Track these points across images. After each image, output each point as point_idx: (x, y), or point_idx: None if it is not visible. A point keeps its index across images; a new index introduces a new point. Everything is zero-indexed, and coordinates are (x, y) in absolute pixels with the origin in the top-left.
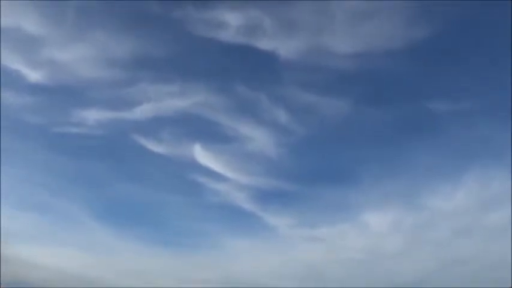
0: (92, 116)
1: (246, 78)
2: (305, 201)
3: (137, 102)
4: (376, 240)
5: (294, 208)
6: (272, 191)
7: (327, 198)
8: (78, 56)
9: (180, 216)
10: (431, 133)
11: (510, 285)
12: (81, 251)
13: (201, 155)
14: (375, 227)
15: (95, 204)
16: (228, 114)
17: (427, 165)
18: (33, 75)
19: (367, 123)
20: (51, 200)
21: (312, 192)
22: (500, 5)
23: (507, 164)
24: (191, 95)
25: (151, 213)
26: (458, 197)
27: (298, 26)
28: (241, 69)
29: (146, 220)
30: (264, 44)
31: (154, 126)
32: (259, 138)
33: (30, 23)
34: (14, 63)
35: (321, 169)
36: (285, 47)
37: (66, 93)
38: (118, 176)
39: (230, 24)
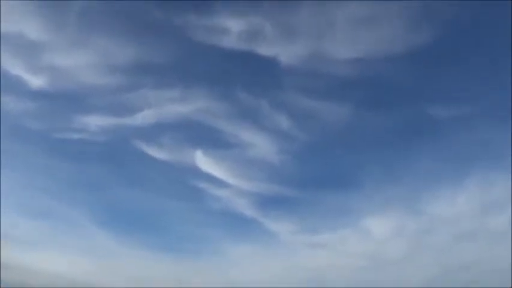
0: (94, 121)
1: (247, 84)
2: (306, 207)
3: (139, 108)
4: (378, 245)
5: (295, 214)
6: (273, 197)
7: (328, 203)
8: (80, 62)
9: (182, 222)
10: (432, 138)
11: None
12: (83, 256)
13: (203, 161)
14: (376, 233)
15: (97, 210)
16: (229, 120)
17: (428, 170)
18: (35, 81)
19: (368, 129)
20: (53, 206)
21: (314, 198)
22: (500, 10)
23: (508, 167)
24: (192, 101)
25: (153, 219)
26: (459, 201)
27: (299, 32)
28: (242, 75)
29: (147, 226)
30: (265, 50)
31: (155, 132)
32: (260, 144)
33: (32, 29)
34: (16, 68)
35: (322, 175)
36: (286, 53)
37: (67, 99)
38: (119, 181)
39: (231, 31)
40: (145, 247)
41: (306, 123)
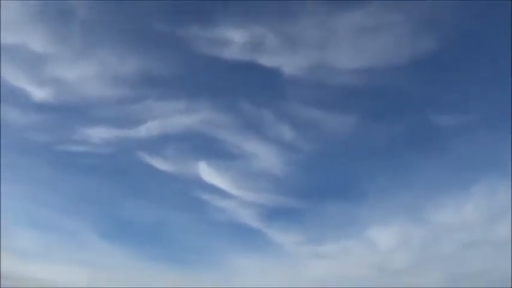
0: (98, 134)
1: (251, 95)
2: (311, 218)
3: (142, 120)
4: (383, 255)
5: (300, 225)
6: (277, 208)
7: (333, 214)
8: (84, 73)
9: (186, 233)
10: (437, 146)
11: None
12: (86, 267)
13: (207, 172)
14: (382, 243)
15: (100, 221)
16: (233, 131)
17: (433, 179)
18: (39, 93)
19: (373, 138)
20: (57, 217)
21: (318, 208)
22: (505, 18)
23: None
24: (196, 112)
25: (157, 230)
26: (465, 210)
27: (302, 42)
28: (245, 86)
29: (151, 237)
30: (268, 60)
31: (159, 143)
32: (264, 154)
33: (35, 41)
34: (19, 81)
35: (326, 185)
36: (289, 63)
37: (71, 111)
38: (123, 193)
39: (234, 42)
40: (149, 258)
41: (310, 133)
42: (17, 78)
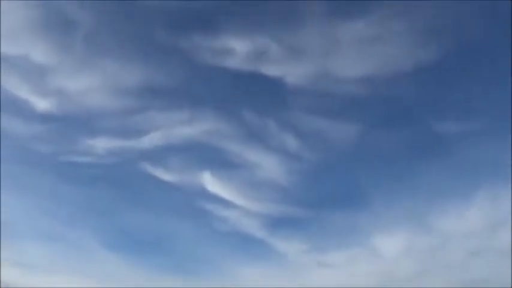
0: (101, 144)
1: (254, 104)
2: (315, 227)
3: (145, 130)
4: (388, 263)
5: (304, 234)
6: (281, 217)
7: (337, 222)
8: (87, 84)
9: (190, 243)
10: (440, 154)
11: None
12: (91, 278)
13: (210, 182)
14: (386, 250)
15: (104, 232)
16: (236, 141)
17: (437, 186)
18: (42, 104)
19: (376, 147)
20: (61, 228)
21: (322, 217)
22: (506, 26)
23: None
24: (199, 122)
25: (161, 241)
26: (470, 217)
27: (305, 51)
28: (249, 96)
29: (156, 247)
30: (272, 70)
31: (163, 154)
32: (268, 164)
33: (38, 52)
34: (23, 92)
35: (330, 194)
36: (292, 72)
37: (74, 122)
38: (127, 204)
39: (237, 52)
40: (153, 268)
41: (314, 142)
42: (20, 89)
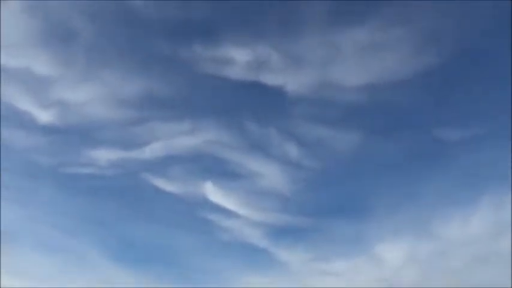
0: (103, 156)
1: (256, 114)
2: (318, 236)
3: (147, 141)
4: (392, 272)
5: (306, 243)
6: (284, 227)
7: (340, 231)
8: (88, 96)
9: (193, 253)
10: (442, 161)
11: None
12: None
13: (213, 192)
14: (390, 259)
15: (107, 243)
16: (238, 151)
17: (439, 194)
18: (44, 116)
19: (378, 154)
20: (63, 240)
21: (325, 226)
22: (506, 33)
23: None
24: (201, 132)
25: (163, 252)
26: (473, 224)
27: (306, 60)
28: (250, 105)
29: (158, 258)
30: (272, 79)
31: (164, 164)
32: (270, 173)
33: (39, 64)
34: (24, 104)
35: (333, 202)
36: (293, 81)
37: (76, 134)
38: (129, 215)
39: (238, 61)
40: (156, 279)
41: (316, 151)
42: (22, 101)
